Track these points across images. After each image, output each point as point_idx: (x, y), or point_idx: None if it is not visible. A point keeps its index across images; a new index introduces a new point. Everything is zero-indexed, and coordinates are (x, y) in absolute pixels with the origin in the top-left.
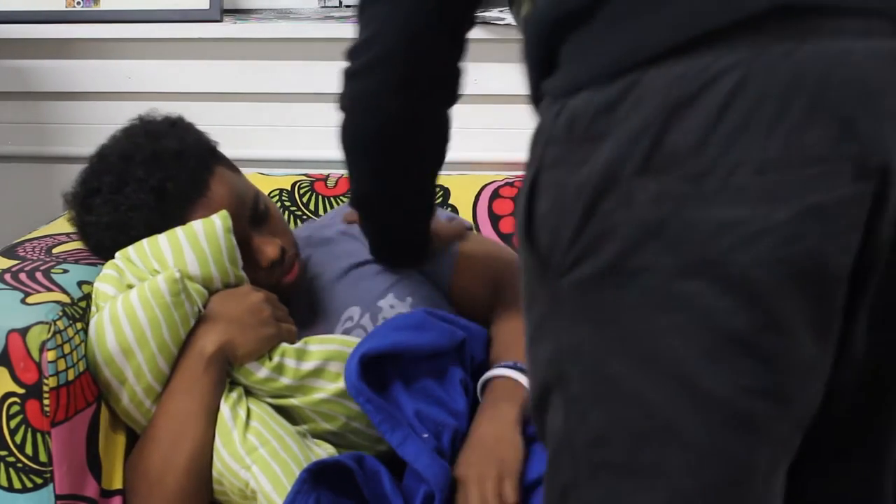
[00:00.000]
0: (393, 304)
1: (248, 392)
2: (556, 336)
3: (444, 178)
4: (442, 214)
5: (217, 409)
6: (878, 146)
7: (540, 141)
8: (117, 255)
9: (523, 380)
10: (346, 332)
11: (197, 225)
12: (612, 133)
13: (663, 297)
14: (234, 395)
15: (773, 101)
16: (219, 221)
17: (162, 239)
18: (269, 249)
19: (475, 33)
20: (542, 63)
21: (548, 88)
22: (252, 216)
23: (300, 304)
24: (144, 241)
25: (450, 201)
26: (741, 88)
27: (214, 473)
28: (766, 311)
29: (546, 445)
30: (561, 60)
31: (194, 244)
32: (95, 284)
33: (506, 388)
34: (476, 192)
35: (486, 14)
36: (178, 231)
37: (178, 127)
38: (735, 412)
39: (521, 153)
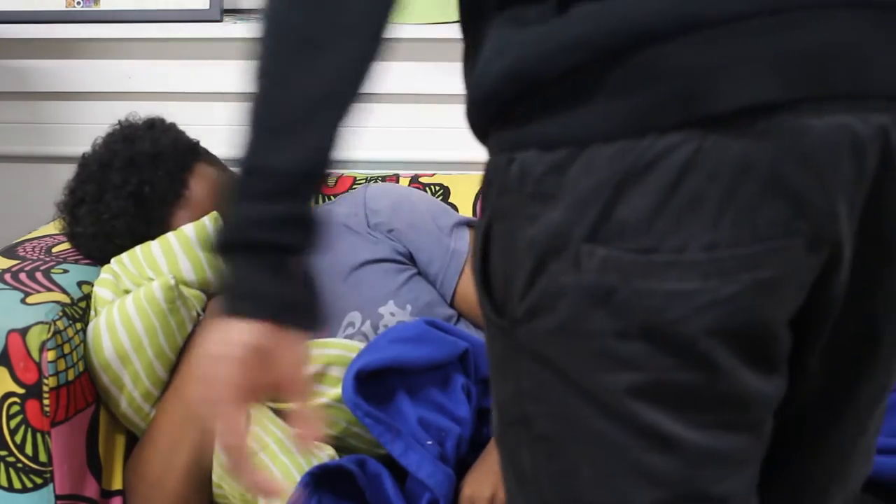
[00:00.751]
0: (393, 312)
1: None
2: (517, 379)
3: (444, 177)
4: (454, 217)
5: None
6: (831, 220)
7: (493, 186)
8: (113, 260)
9: None
10: (348, 338)
11: (189, 230)
12: (561, 196)
13: (614, 357)
14: None
15: (724, 179)
16: (211, 225)
17: (155, 246)
18: None
19: None
20: (491, 110)
21: (496, 137)
22: None
23: None
24: (138, 248)
25: (450, 200)
26: (692, 165)
27: (214, 477)
28: (711, 367)
29: (509, 478)
30: (511, 113)
31: (187, 250)
32: (94, 288)
33: None
34: (476, 192)
35: None
36: (171, 237)
37: (155, 129)
38: (696, 447)
39: None
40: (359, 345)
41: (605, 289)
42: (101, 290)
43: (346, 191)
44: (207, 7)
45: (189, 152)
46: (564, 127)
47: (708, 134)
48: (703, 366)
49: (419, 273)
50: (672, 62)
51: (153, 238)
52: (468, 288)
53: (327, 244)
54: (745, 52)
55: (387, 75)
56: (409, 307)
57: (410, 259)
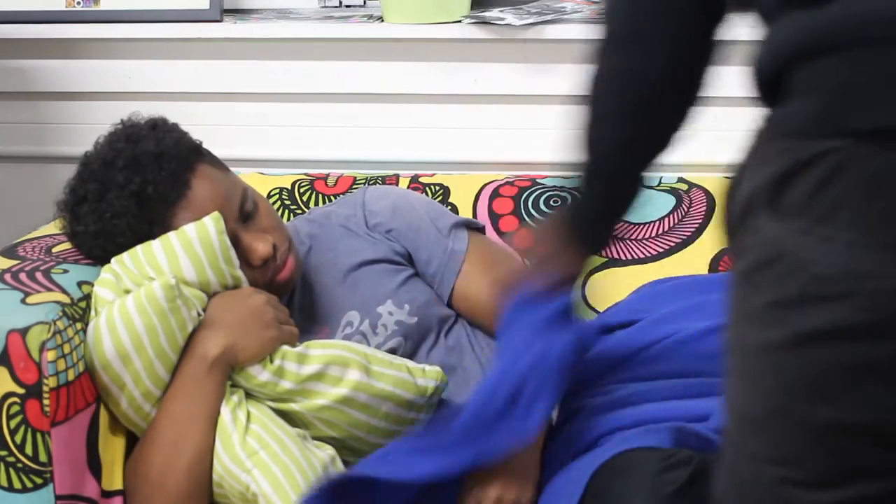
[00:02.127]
0: (392, 311)
1: (249, 395)
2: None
3: (444, 177)
4: (452, 217)
5: (218, 412)
6: None
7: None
8: (113, 259)
9: None
10: (347, 337)
11: (190, 229)
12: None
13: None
14: (234, 398)
15: (860, 190)
16: (211, 224)
17: (156, 245)
18: (260, 247)
19: (475, 33)
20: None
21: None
22: (240, 213)
23: (300, 305)
24: (139, 247)
25: (450, 200)
26: (837, 172)
27: (215, 477)
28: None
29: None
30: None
31: (188, 249)
32: (94, 288)
33: None
34: (476, 192)
35: (487, 14)
36: (172, 237)
37: (158, 129)
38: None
39: (521, 153)
40: (357, 346)
41: (771, 255)
42: (102, 290)
43: (347, 191)
44: (207, 7)
45: (192, 153)
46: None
47: (855, 146)
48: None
49: (417, 274)
50: (838, 75)
51: (154, 237)
52: (467, 287)
53: (327, 245)
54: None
55: (386, 75)
56: (407, 307)
57: (409, 260)
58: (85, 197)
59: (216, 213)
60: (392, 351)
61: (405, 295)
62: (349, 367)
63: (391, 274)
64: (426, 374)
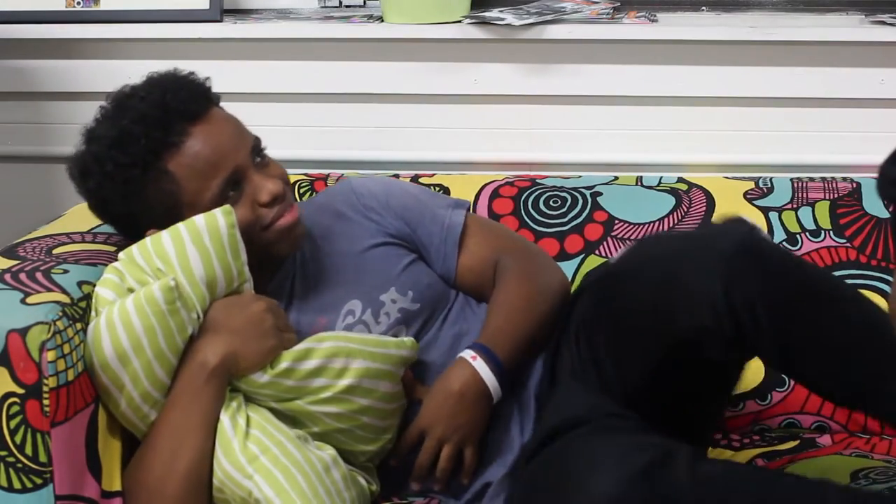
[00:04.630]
0: (395, 299)
1: (248, 399)
2: None
3: (444, 177)
4: (447, 199)
5: (217, 419)
6: None
7: None
8: (121, 255)
9: (480, 368)
10: (348, 327)
11: (199, 221)
12: None
13: None
14: (233, 403)
15: None
16: (222, 217)
17: (165, 237)
18: (270, 184)
19: (474, 33)
20: None
21: None
22: (254, 151)
23: (298, 295)
24: (147, 239)
25: None
26: None
27: (215, 482)
28: None
29: None
30: None
31: (197, 241)
32: (96, 289)
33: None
34: (476, 192)
35: (486, 14)
36: (181, 228)
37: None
38: None
39: (521, 153)
40: (359, 336)
41: None
42: (104, 291)
43: None
44: (207, 7)
45: (208, 90)
46: None
47: None
48: None
49: (419, 255)
50: None
51: (164, 157)
52: (471, 260)
53: (321, 233)
54: None
55: (386, 75)
56: (410, 293)
57: (408, 240)
58: (104, 116)
59: (227, 207)
60: (394, 333)
61: (408, 280)
62: (352, 356)
63: (393, 259)
64: (406, 345)
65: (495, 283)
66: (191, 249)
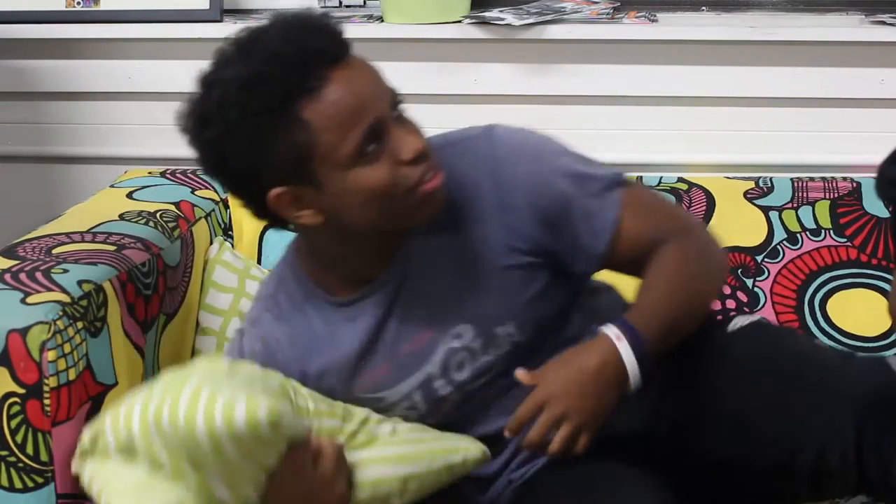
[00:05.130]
0: (511, 333)
1: None
2: None
3: None
4: (600, 178)
5: None
6: None
7: None
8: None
9: (624, 351)
10: (451, 352)
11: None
12: None
13: None
14: None
15: None
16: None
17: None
18: (413, 139)
19: (474, 33)
20: None
21: None
22: (393, 102)
23: (413, 289)
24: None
25: None
26: None
27: None
28: None
29: None
30: None
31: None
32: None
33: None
34: None
35: (486, 14)
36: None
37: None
38: None
39: None
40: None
41: None
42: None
43: None
44: (207, 7)
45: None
46: None
47: None
48: None
49: (551, 267)
50: None
51: (300, 106)
52: (624, 245)
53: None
54: None
55: (386, 75)
56: (529, 328)
57: (544, 251)
58: (227, 59)
59: (274, 408)
60: (497, 361)
61: (531, 315)
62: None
63: (521, 287)
64: (465, 450)
65: (650, 261)
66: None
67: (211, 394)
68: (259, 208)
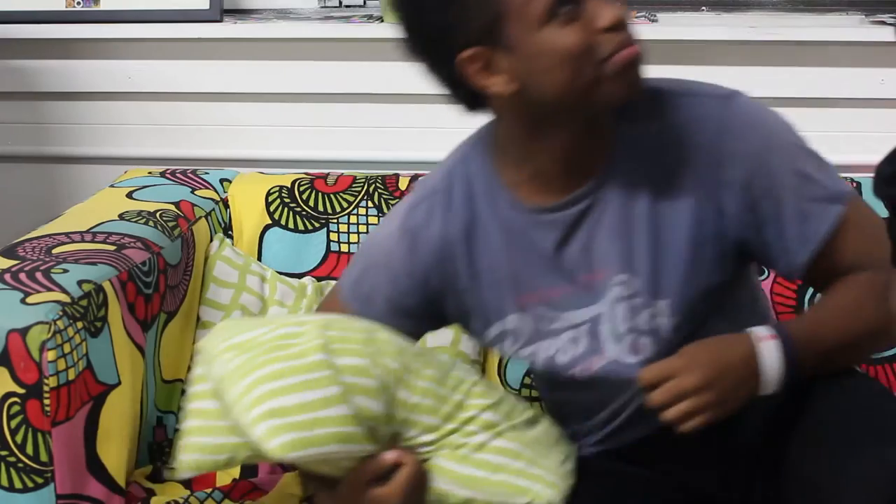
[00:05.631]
0: (672, 315)
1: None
2: None
3: None
4: (827, 185)
5: None
6: None
7: None
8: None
9: (769, 352)
10: (615, 300)
11: None
12: None
13: None
14: None
15: None
16: None
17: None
18: (613, 8)
19: None
20: None
21: None
22: None
23: (597, 222)
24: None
25: None
26: None
27: None
28: None
29: None
30: None
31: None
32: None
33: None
34: None
35: None
36: None
37: None
38: None
39: None
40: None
41: None
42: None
43: (346, 189)
44: (208, 7)
45: None
46: None
47: None
48: None
49: (746, 272)
50: None
51: None
52: (824, 261)
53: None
54: None
55: (386, 75)
56: (686, 312)
57: (744, 243)
58: None
59: None
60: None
61: (696, 301)
62: None
63: (709, 274)
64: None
65: (837, 281)
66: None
67: (261, 415)
68: (447, 76)
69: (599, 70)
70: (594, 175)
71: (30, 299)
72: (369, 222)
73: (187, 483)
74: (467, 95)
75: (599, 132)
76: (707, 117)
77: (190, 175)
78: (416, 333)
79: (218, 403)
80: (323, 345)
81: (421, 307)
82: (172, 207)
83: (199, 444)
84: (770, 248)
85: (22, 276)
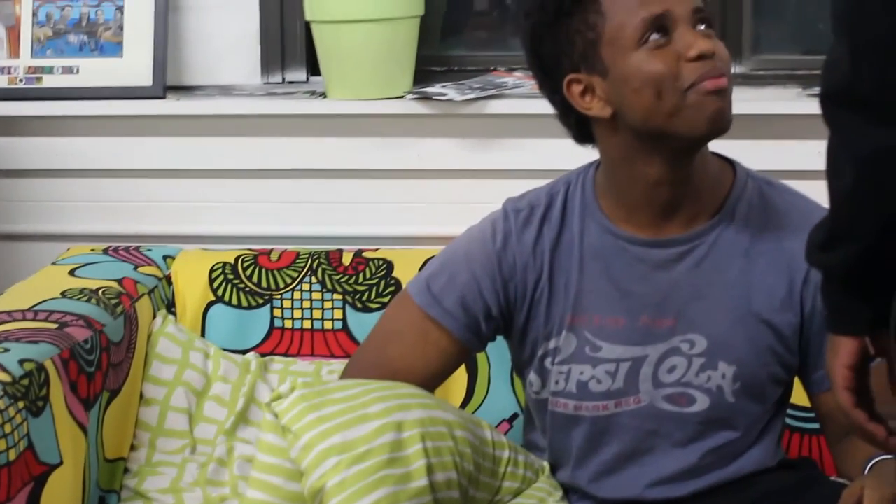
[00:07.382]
0: (725, 376)
1: None
2: None
3: (388, 251)
4: None
5: None
6: None
7: None
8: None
9: None
10: (674, 351)
11: None
12: None
13: None
14: None
15: None
16: None
17: None
18: (705, 41)
19: (417, 108)
20: None
21: None
22: (697, 12)
23: (684, 271)
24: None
25: (393, 274)
26: None
27: None
28: None
29: None
30: None
31: None
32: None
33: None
34: (420, 266)
35: (429, 90)
36: None
37: None
38: None
39: (463, 226)
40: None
41: None
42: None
43: (290, 265)
44: (150, 84)
45: None
46: None
47: None
48: None
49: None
50: None
51: None
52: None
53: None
54: None
55: (330, 151)
56: (744, 389)
57: (791, 341)
58: None
59: None
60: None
61: (752, 383)
62: None
63: (768, 361)
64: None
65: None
66: None
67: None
68: (560, 102)
69: (682, 98)
70: (695, 226)
71: None
72: (313, 298)
73: None
74: (577, 122)
75: (688, 175)
76: (797, 208)
77: (133, 252)
78: (465, 349)
79: (297, 486)
80: (427, 466)
81: (489, 313)
82: (115, 285)
83: None
84: (807, 354)
85: None
